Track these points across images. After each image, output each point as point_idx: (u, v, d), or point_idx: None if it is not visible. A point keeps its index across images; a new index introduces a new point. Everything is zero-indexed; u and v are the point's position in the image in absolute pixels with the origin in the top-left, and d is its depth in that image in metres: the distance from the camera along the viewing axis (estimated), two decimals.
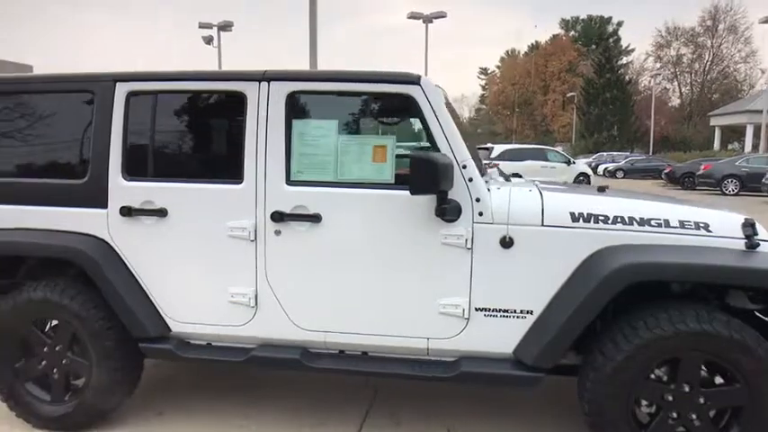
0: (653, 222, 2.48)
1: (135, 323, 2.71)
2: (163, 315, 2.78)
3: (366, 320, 2.64)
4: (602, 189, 3.09)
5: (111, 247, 2.76)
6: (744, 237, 2.44)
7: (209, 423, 2.99)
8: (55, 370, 2.84)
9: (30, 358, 2.87)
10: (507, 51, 64.93)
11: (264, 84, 2.64)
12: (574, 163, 19.36)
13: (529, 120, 58.59)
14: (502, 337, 2.54)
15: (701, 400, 2.35)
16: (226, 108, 2.77)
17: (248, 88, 2.65)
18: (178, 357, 2.76)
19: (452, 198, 2.48)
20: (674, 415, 2.38)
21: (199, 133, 2.86)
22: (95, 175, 2.75)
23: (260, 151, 2.63)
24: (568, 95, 50.34)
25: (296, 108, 2.65)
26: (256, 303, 2.70)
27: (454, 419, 3.03)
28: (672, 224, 2.48)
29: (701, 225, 2.48)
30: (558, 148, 24.18)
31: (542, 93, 57.48)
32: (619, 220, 2.49)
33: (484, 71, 69.40)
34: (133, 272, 2.77)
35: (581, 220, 2.49)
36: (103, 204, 2.75)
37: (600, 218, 2.49)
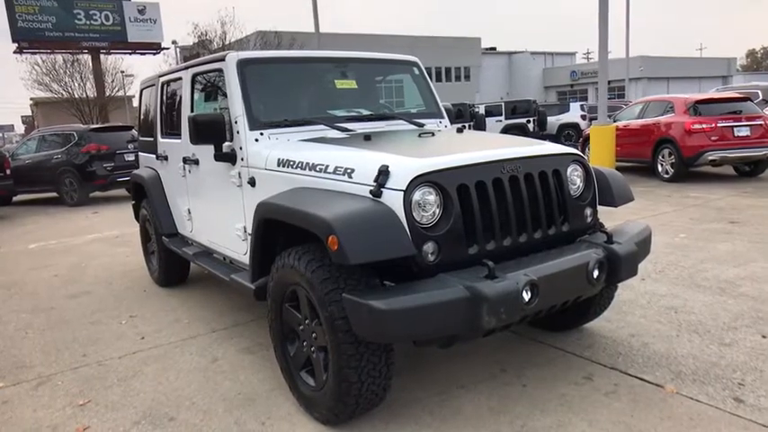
0: (317, 168, 2.64)
1: (159, 223, 4.56)
2: (175, 221, 4.53)
3: (219, 235, 3.70)
4: (460, 130, 3.18)
5: (159, 176, 4.66)
6: (374, 184, 2.34)
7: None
8: (152, 247, 5.03)
9: (150, 242, 5.13)
10: None
11: (188, 70, 3.95)
12: None
13: None
14: None
15: (314, 336, 2.49)
16: (180, 91, 4.18)
17: (183, 75, 4.02)
18: (169, 249, 4.47)
19: (233, 146, 3.26)
20: (305, 344, 2.59)
21: (177, 108, 4.37)
22: (155, 136, 4.68)
23: (183, 118, 3.98)
24: None
25: (194, 86, 3.86)
26: (191, 218, 4.12)
27: None
28: (328, 170, 2.57)
29: (348, 171, 2.48)
30: None
31: None
32: (299, 165, 2.75)
33: None
34: (165, 193, 4.61)
35: (281, 165, 2.87)
36: (156, 152, 4.66)
37: (290, 163, 2.81)
